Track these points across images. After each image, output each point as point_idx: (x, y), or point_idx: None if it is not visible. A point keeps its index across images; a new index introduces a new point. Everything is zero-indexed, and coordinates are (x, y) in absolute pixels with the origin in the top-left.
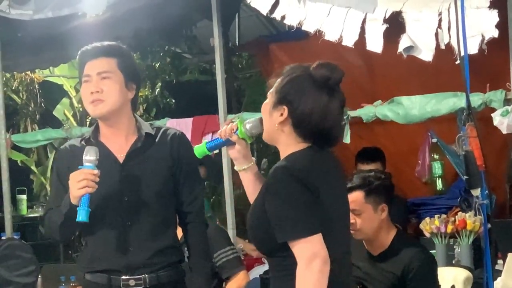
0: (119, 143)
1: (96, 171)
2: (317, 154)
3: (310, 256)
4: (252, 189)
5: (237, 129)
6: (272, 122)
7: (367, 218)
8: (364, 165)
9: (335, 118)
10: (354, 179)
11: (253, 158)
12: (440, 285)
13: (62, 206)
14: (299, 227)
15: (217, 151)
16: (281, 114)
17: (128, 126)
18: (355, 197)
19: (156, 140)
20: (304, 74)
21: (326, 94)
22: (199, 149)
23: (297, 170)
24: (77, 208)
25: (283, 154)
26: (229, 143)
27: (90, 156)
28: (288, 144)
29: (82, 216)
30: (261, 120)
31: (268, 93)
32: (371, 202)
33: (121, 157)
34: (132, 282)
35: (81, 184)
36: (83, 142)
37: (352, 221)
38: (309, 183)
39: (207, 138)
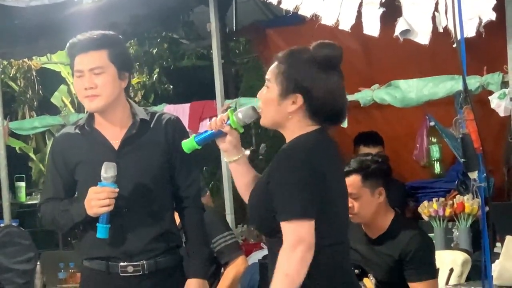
0: (114, 130)
1: (117, 189)
2: (323, 138)
3: (297, 240)
4: (242, 180)
5: (228, 119)
6: (282, 111)
7: (364, 202)
8: (369, 148)
9: (344, 95)
10: (352, 163)
11: (243, 149)
12: (438, 268)
13: (74, 213)
14: (297, 208)
15: None
16: (293, 102)
17: (123, 113)
18: (352, 181)
19: (151, 125)
20: (309, 58)
21: (334, 74)
22: (188, 144)
23: (307, 152)
24: (97, 224)
25: (290, 137)
26: (220, 134)
27: (109, 173)
28: (296, 128)
29: (102, 233)
30: (253, 108)
31: (268, 81)
32: (368, 186)
33: (116, 143)
34: (130, 269)
35: (103, 202)
36: (77, 130)
37: (349, 205)
38: (317, 166)
39: (204, 124)
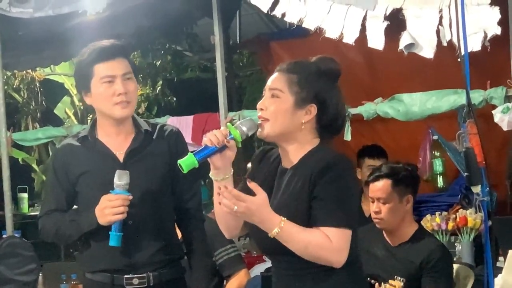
0: (118, 141)
1: (131, 197)
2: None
3: (345, 245)
4: None
5: (230, 133)
6: (296, 121)
7: (392, 207)
8: (374, 160)
9: (345, 109)
10: (383, 168)
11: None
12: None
13: (83, 223)
14: (351, 217)
15: None
16: (307, 112)
17: (128, 124)
18: (383, 185)
19: (154, 137)
20: (318, 70)
21: (338, 87)
22: (187, 162)
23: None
24: (110, 233)
25: (299, 151)
26: (222, 150)
27: (123, 180)
28: (305, 140)
29: (115, 241)
30: (252, 120)
31: (277, 90)
32: (397, 192)
33: (120, 154)
34: (135, 281)
35: (118, 210)
36: (80, 141)
37: (377, 209)
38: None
39: (207, 135)
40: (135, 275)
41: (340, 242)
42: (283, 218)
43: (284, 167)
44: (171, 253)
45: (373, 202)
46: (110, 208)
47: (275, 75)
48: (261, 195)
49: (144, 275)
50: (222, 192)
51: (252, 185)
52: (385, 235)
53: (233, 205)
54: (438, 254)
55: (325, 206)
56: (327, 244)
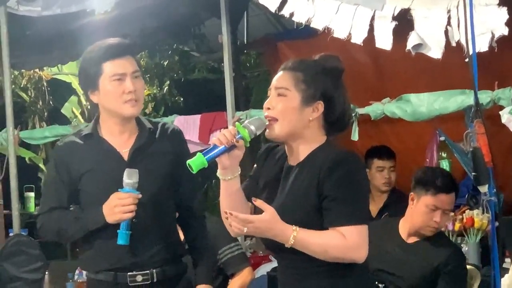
0: (122, 139)
1: (140, 195)
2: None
3: (364, 241)
4: (231, 200)
5: (239, 133)
6: (303, 119)
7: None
8: (383, 161)
9: (350, 106)
10: (446, 180)
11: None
12: None
13: (89, 221)
14: (365, 213)
15: None
16: (314, 110)
17: (132, 122)
18: (452, 198)
19: (157, 135)
20: (323, 68)
21: (343, 84)
22: (197, 162)
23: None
24: (118, 231)
25: (306, 148)
26: (231, 149)
27: (133, 179)
28: (313, 138)
29: (124, 240)
30: (260, 119)
31: (283, 89)
32: None
33: (124, 153)
34: (139, 278)
35: (128, 208)
36: (83, 139)
37: (440, 220)
38: None
39: (214, 135)
40: (139, 272)
41: (358, 238)
42: (294, 227)
43: (290, 164)
44: (174, 251)
45: (434, 211)
46: (121, 207)
47: (280, 73)
48: (269, 211)
49: (148, 271)
50: (228, 217)
51: (258, 202)
52: (400, 231)
53: (243, 228)
54: (457, 260)
55: (338, 206)
56: (343, 243)
